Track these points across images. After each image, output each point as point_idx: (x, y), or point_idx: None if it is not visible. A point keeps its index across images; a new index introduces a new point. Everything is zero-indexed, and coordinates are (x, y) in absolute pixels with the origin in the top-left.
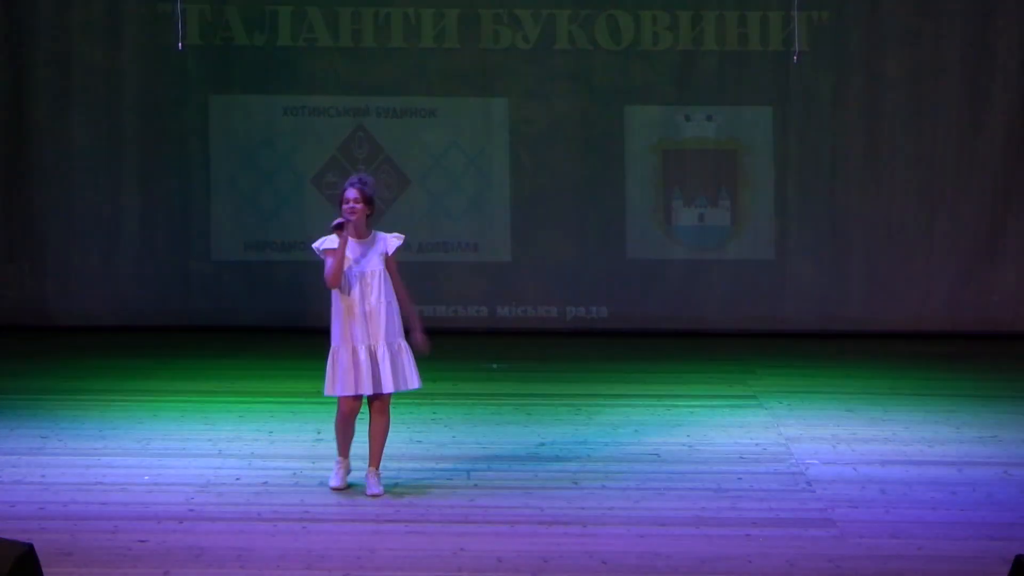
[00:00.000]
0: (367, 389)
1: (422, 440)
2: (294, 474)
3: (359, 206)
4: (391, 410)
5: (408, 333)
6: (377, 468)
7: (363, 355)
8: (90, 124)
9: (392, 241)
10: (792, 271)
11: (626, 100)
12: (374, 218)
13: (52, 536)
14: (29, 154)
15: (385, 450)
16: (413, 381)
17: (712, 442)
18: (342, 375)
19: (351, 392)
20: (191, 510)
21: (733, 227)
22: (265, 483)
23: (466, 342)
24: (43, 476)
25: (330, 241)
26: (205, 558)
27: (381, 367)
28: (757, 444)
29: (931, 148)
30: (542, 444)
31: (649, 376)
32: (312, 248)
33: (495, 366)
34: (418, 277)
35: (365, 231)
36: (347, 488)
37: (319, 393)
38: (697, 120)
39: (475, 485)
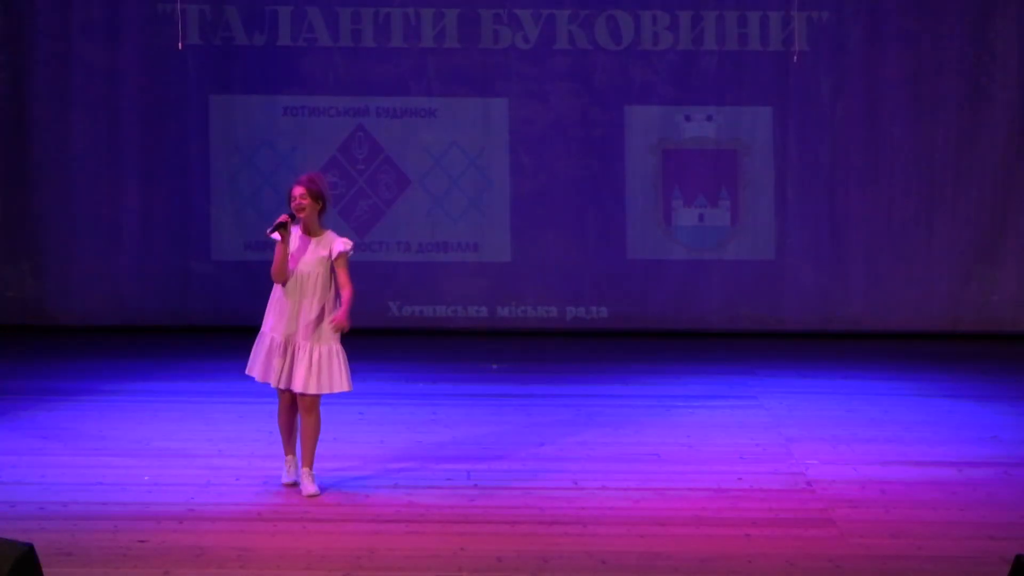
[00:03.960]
0: (278, 382)
1: (422, 440)
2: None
3: (305, 201)
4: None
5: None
6: (310, 468)
7: (281, 348)
8: (90, 124)
9: (338, 245)
10: (792, 271)
11: (626, 100)
12: (327, 216)
13: (52, 536)
14: (29, 154)
15: (385, 450)
16: (339, 384)
17: (712, 442)
18: (261, 360)
19: (269, 382)
20: (191, 510)
21: (733, 227)
22: (265, 483)
23: (466, 342)
24: (43, 476)
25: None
26: (205, 558)
27: (298, 366)
28: (757, 444)
29: (931, 148)
30: (542, 444)
31: (649, 376)
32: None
33: (495, 366)
34: (418, 277)
35: (317, 228)
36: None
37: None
38: (697, 120)
39: (475, 485)
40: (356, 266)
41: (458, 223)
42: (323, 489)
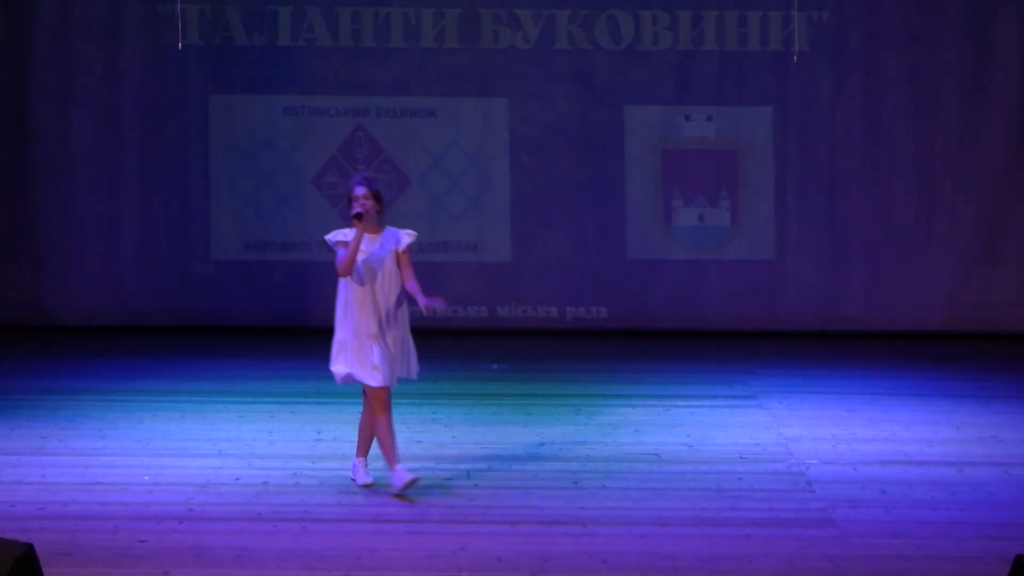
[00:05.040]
0: (375, 380)
1: (422, 440)
2: (294, 474)
3: (369, 202)
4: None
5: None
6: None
7: (374, 348)
8: (90, 124)
9: (404, 238)
10: (792, 271)
11: (626, 100)
12: (383, 215)
13: (52, 536)
14: (29, 154)
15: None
16: (414, 370)
17: (712, 442)
18: (359, 366)
19: (375, 383)
20: (191, 510)
21: (733, 227)
22: (265, 483)
23: (466, 342)
24: (43, 476)
25: (343, 234)
26: (205, 558)
27: (386, 359)
28: (757, 444)
29: (931, 148)
30: (542, 444)
31: (649, 376)
32: (325, 240)
33: (495, 366)
34: (418, 277)
35: (377, 227)
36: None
37: (319, 393)
38: (697, 120)
39: (475, 485)
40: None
41: (458, 223)
42: (321, 488)
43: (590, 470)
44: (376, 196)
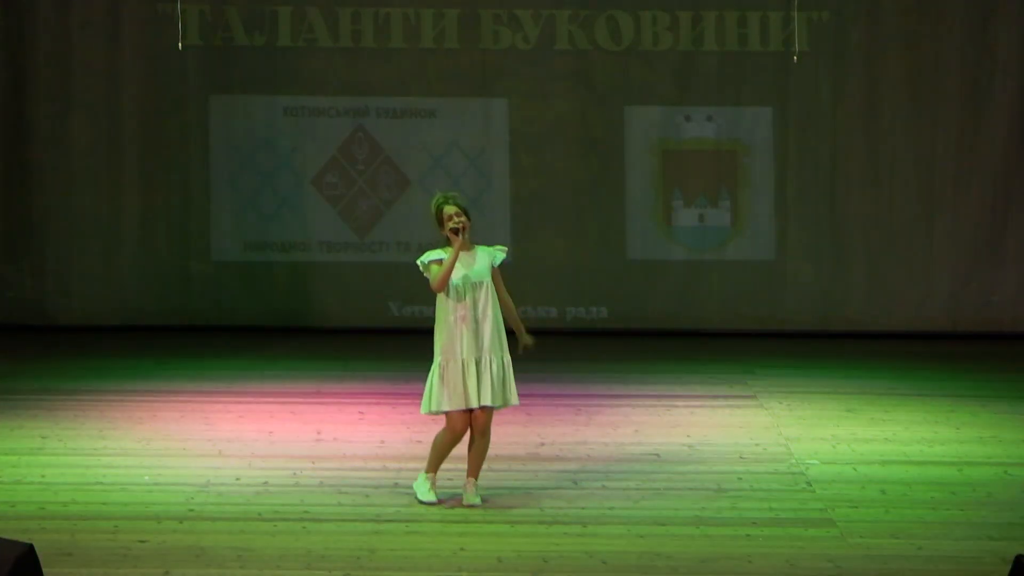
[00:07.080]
0: (476, 401)
1: (422, 440)
2: (294, 474)
3: (462, 218)
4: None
5: (512, 338)
6: (476, 477)
7: (472, 368)
8: (90, 124)
9: (498, 254)
10: (792, 271)
11: (626, 100)
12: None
13: (52, 536)
14: (29, 154)
15: (385, 450)
16: (513, 397)
17: (712, 442)
18: (453, 391)
19: (463, 406)
20: (191, 510)
21: (733, 227)
22: (265, 483)
23: None
24: (43, 476)
25: (435, 254)
26: (205, 558)
27: (483, 380)
28: (757, 444)
29: (931, 148)
30: (542, 444)
31: (649, 376)
32: (417, 264)
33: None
34: (418, 277)
35: (469, 244)
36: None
37: (319, 393)
38: (697, 120)
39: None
40: (356, 266)
41: None
42: (321, 488)
43: (590, 470)
44: (467, 213)
